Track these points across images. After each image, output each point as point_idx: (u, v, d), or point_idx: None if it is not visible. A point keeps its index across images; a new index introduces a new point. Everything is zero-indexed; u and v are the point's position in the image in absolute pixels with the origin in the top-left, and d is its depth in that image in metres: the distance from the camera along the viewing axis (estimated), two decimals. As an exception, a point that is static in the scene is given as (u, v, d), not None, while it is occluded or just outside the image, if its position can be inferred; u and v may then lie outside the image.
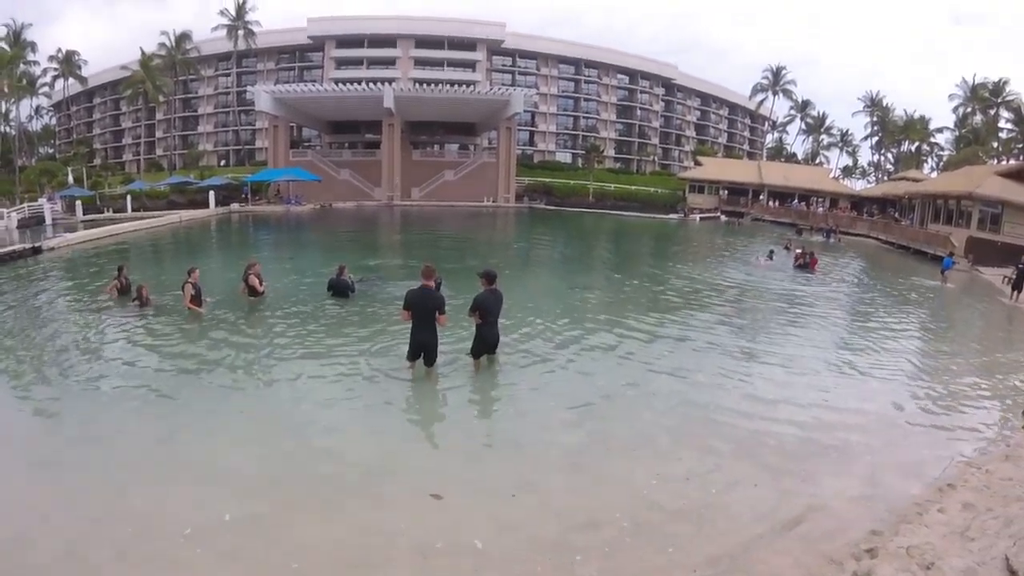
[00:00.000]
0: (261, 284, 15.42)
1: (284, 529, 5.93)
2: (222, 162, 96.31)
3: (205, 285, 15.09)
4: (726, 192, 74.85)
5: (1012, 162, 57.88)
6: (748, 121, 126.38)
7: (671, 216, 67.47)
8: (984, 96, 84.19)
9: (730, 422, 9.21)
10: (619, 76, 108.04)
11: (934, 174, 78.76)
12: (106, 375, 10.02)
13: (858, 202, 71.23)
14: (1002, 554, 5.70)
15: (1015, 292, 24.12)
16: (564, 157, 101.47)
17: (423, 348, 9.93)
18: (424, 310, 9.66)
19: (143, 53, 77.48)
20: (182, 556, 5.46)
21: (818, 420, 9.54)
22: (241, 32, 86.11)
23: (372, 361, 10.87)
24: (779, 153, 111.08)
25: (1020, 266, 24.46)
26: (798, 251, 30.48)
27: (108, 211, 49.30)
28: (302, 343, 12.04)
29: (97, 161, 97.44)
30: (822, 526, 6.50)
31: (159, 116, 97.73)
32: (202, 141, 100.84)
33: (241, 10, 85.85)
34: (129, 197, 52.12)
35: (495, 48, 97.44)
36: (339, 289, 15.92)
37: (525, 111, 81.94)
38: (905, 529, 6.47)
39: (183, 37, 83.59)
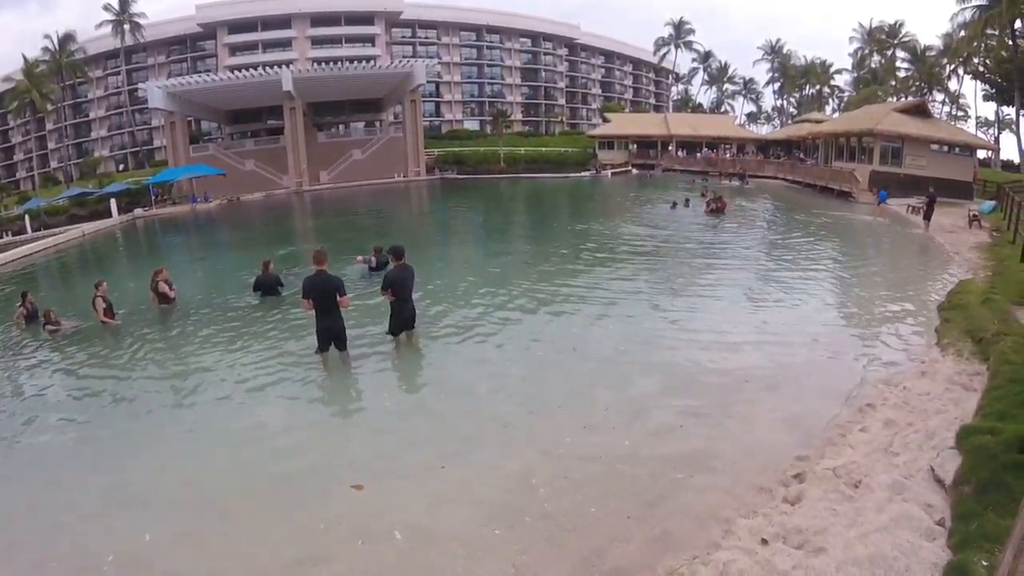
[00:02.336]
0: (171, 290, 15.10)
1: (219, 541, 5.85)
2: (121, 167, 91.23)
3: (116, 297, 14.82)
4: (635, 146, 76.05)
5: (910, 99, 60.69)
6: (653, 76, 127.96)
7: (583, 174, 68.30)
8: (881, 38, 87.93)
9: (653, 367, 9.59)
10: (522, 40, 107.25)
11: (836, 115, 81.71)
12: (21, 408, 9.59)
13: (764, 146, 73.97)
14: (927, 465, 6.17)
15: (927, 222, 26.08)
16: (472, 125, 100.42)
17: (331, 334, 9.83)
18: (324, 295, 9.52)
19: (26, 60, 73.22)
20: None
21: (740, 355, 10.00)
22: (127, 26, 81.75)
23: (292, 356, 10.67)
24: (685, 105, 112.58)
25: (928, 197, 26.25)
26: (708, 197, 31.82)
27: (7, 235, 46.73)
28: (218, 346, 11.81)
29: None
30: (751, 458, 6.80)
31: (49, 126, 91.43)
32: (97, 147, 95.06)
33: (125, 2, 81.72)
34: (27, 216, 49.34)
35: (394, 20, 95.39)
36: (267, 287, 15.03)
37: (429, 82, 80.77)
38: (831, 451, 6.83)
39: (67, 38, 78.12)
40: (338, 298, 9.63)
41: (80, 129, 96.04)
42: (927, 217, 26.07)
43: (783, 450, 7.01)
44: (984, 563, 4.46)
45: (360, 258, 17.47)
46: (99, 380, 10.56)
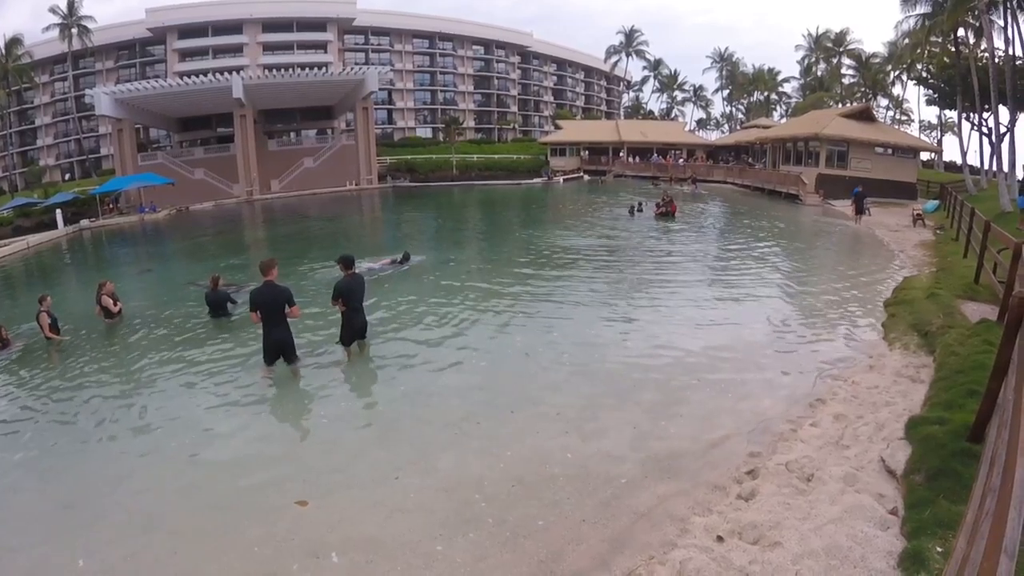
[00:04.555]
0: (116, 304, 14.64)
1: (169, 560, 5.68)
2: (67, 176, 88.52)
3: (63, 311, 14.38)
4: (587, 152, 77.13)
5: (855, 104, 62.33)
6: (604, 83, 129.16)
7: (535, 180, 68.68)
8: (827, 46, 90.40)
9: (605, 370, 9.65)
10: (475, 47, 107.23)
11: (784, 121, 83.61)
12: None
13: (713, 151, 75.30)
14: (877, 456, 6.27)
15: (857, 216, 27.21)
16: (425, 133, 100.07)
17: (279, 347, 9.69)
18: (273, 307, 9.38)
19: (-32, 65, 71.05)
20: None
21: (690, 356, 10.11)
22: (75, 30, 79.36)
23: (240, 371, 10.44)
24: (636, 111, 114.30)
25: (856, 193, 28.77)
26: (657, 201, 32.14)
27: (-51, 248, 45.27)
28: (165, 362, 11.43)
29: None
30: (704, 456, 6.89)
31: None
32: (43, 156, 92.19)
33: (73, 5, 79.55)
34: None
35: (347, 27, 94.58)
36: (215, 305, 14.21)
37: (381, 89, 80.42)
38: (782, 447, 6.94)
39: (14, 42, 75.29)
40: (287, 309, 9.49)
41: (25, 136, 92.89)
42: (858, 212, 28.43)
43: (736, 447, 7.10)
44: (939, 549, 4.53)
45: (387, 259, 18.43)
46: (45, 399, 10.19)
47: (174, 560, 5.70)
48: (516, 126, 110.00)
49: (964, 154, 43.68)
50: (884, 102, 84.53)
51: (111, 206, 55.65)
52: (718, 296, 14.49)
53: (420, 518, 6.03)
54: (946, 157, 73.23)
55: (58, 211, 48.43)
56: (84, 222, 49.19)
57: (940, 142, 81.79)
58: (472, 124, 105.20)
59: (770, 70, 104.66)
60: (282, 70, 66.28)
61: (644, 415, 8.01)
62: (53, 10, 78.52)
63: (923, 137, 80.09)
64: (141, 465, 7.60)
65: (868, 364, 9.52)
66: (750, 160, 62.76)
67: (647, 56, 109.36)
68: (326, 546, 5.68)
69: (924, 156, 55.97)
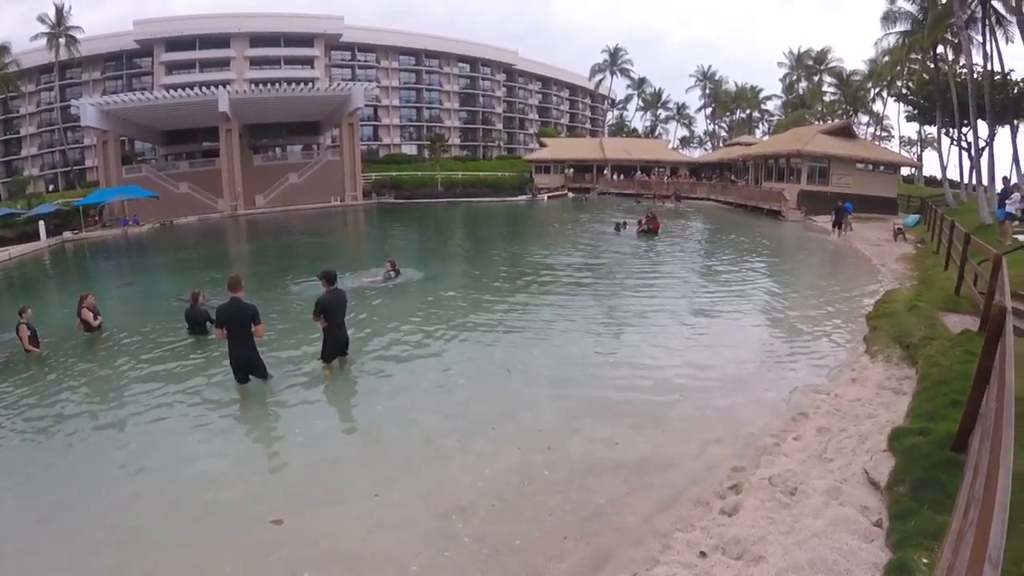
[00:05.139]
0: (96, 317, 14.51)
1: None
2: (51, 187, 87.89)
3: (44, 323, 14.24)
4: (572, 170, 77.26)
5: (836, 121, 63.00)
6: (589, 101, 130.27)
7: (520, 198, 68.69)
8: (808, 64, 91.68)
9: (587, 387, 9.60)
10: (460, 65, 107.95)
11: (766, 138, 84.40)
12: None
13: (697, 169, 75.84)
14: (861, 469, 6.24)
15: (836, 229, 27.68)
16: (410, 149, 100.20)
17: (244, 366, 9.59)
18: (237, 324, 9.26)
19: (-44, 72, 70.50)
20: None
21: (673, 372, 10.07)
22: (63, 40, 79.15)
23: (218, 388, 10.23)
24: (620, 129, 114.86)
25: (837, 206, 29.51)
26: (640, 219, 32.19)
27: (-71, 258, 44.76)
28: (143, 377, 11.28)
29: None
30: (686, 472, 6.84)
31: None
32: (27, 166, 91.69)
33: (61, 15, 79.22)
34: None
35: (333, 43, 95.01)
36: (195, 322, 13.83)
37: (367, 105, 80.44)
38: (765, 461, 6.91)
39: (1, 50, 75.76)
40: (253, 327, 9.35)
41: (9, 146, 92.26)
42: (836, 225, 29.25)
43: (719, 462, 7.06)
44: (924, 560, 4.49)
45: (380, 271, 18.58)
46: (23, 413, 10.05)
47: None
48: (501, 143, 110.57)
49: (944, 168, 44.63)
50: (865, 119, 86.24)
51: (95, 218, 55.20)
52: (700, 312, 14.51)
53: (400, 535, 5.96)
54: (926, 172, 74.67)
55: (41, 222, 47.96)
56: (67, 234, 48.78)
57: (920, 157, 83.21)
58: (457, 141, 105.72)
59: (752, 88, 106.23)
60: (268, 85, 66.15)
61: (626, 431, 7.95)
62: (41, 19, 78.39)
63: (903, 152, 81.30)
64: (117, 480, 7.48)
65: (851, 377, 9.55)
66: (733, 177, 63.19)
67: (631, 74, 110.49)
68: (305, 562, 5.60)
69: (905, 171, 56.71)
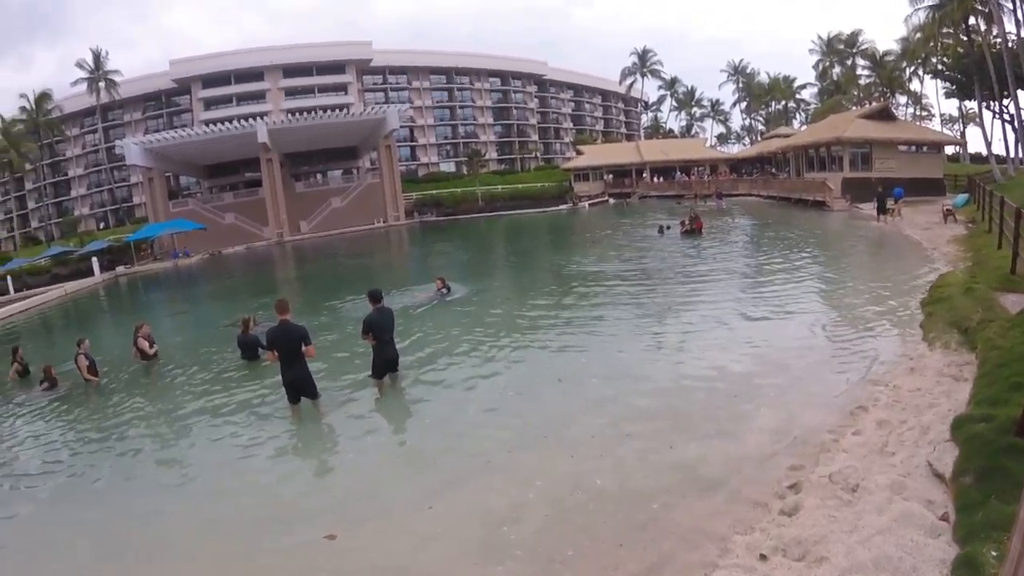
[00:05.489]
0: (152, 346, 15.06)
1: None
2: (101, 224, 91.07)
3: (101, 354, 14.82)
4: (611, 176, 77.23)
5: (874, 104, 61.60)
6: (622, 105, 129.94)
7: (560, 207, 68.84)
8: (840, 48, 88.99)
9: (640, 392, 9.45)
10: (491, 79, 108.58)
11: (804, 128, 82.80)
12: (16, 485, 9.02)
13: (736, 165, 74.87)
14: (924, 461, 6.02)
15: (881, 215, 26.96)
16: (448, 167, 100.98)
17: (296, 386, 9.71)
18: (288, 346, 9.40)
19: (3, 120, 73.29)
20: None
21: (726, 372, 9.85)
22: (102, 84, 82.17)
23: (270, 409, 10.43)
24: (656, 131, 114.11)
25: (879, 192, 28.90)
26: (683, 220, 31.80)
27: (-10, 297, 46.47)
28: (198, 402, 11.67)
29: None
30: (742, 473, 6.66)
31: (29, 186, 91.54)
32: (77, 206, 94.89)
33: (99, 60, 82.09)
34: (9, 278, 48.68)
35: (364, 68, 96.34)
36: (246, 348, 13.98)
37: (402, 126, 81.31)
38: (825, 458, 6.68)
39: (43, 97, 78.10)
40: (303, 347, 9.47)
41: (59, 188, 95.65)
42: (881, 211, 28.52)
43: (776, 461, 6.86)
44: (993, 553, 4.29)
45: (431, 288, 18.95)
46: (87, 438, 10.51)
47: None
48: (538, 154, 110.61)
49: (988, 144, 43.03)
50: (903, 99, 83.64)
51: (147, 252, 56.68)
52: (751, 309, 14.20)
53: (453, 547, 5.92)
54: (971, 149, 72.16)
55: (94, 259, 49.48)
56: (120, 269, 50.36)
57: (963, 134, 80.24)
58: (494, 155, 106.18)
59: (786, 78, 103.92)
60: (304, 113, 67.48)
61: (680, 434, 7.78)
62: (80, 64, 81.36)
63: (945, 131, 78.63)
64: (173, 499, 7.74)
65: (909, 367, 9.22)
66: (773, 170, 62.21)
67: (662, 75, 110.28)
68: (358, 575, 5.66)
69: (949, 150, 55.17)
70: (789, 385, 9.18)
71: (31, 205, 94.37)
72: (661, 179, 74.06)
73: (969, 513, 4.91)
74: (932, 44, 50.69)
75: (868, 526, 5.16)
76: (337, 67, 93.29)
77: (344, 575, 5.67)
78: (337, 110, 68.41)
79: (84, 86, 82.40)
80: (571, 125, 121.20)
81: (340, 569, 5.75)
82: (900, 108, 78.46)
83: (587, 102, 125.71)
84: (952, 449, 6.02)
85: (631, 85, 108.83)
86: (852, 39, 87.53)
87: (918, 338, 10.56)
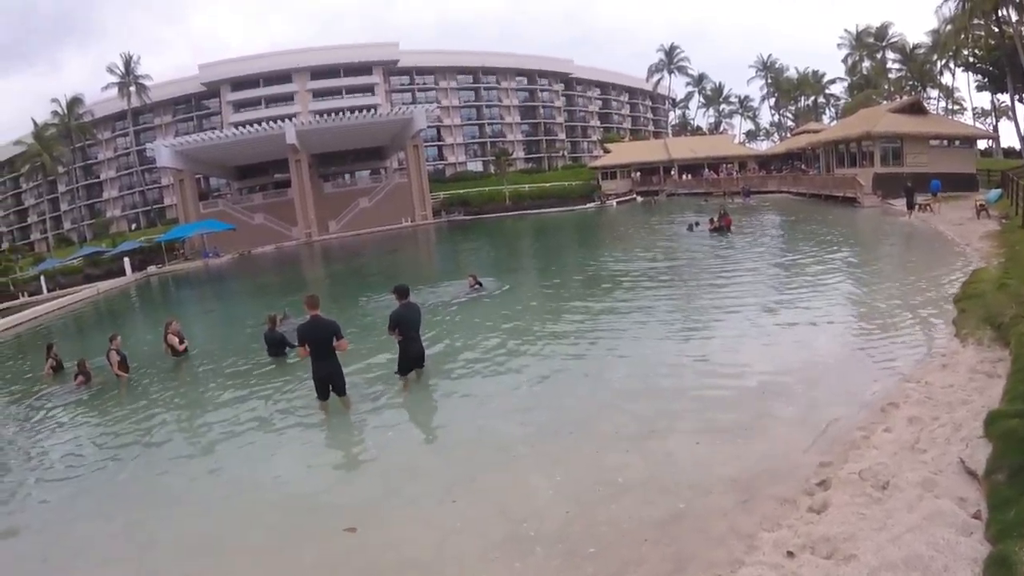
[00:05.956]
0: (182, 342, 15.34)
1: None
2: (132, 226, 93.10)
3: (132, 350, 15.12)
4: (638, 173, 76.87)
5: (904, 98, 60.59)
6: (649, 103, 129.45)
7: (588, 206, 68.72)
8: (869, 42, 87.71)
9: (667, 388, 9.41)
10: (518, 78, 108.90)
11: (833, 123, 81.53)
12: (50, 475, 9.25)
13: (765, 161, 74.14)
14: (956, 458, 5.89)
15: (910, 210, 26.58)
16: (475, 166, 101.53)
17: (327, 381, 9.71)
18: (320, 341, 9.41)
19: (36, 124, 74.91)
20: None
21: (755, 368, 9.72)
22: (132, 88, 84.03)
23: (296, 405, 10.53)
24: (684, 128, 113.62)
25: (907, 187, 28.69)
26: (712, 217, 31.52)
27: (23, 295, 47.65)
28: (227, 397, 11.85)
29: (4, 245, 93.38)
30: (770, 469, 6.56)
31: (62, 188, 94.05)
32: (109, 207, 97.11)
33: (129, 65, 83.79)
34: (43, 278, 50.24)
35: (391, 69, 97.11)
36: (272, 345, 14.08)
37: (429, 126, 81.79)
38: (854, 455, 6.55)
39: (75, 102, 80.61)
40: (335, 342, 9.49)
41: (92, 190, 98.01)
42: (910, 206, 28.32)
43: (805, 458, 6.74)
44: (1027, 551, 4.17)
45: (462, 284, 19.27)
46: (116, 431, 10.79)
47: None
48: (565, 153, 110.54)
49: (1021, 138, 41.96)
50: (934, 93, 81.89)
51: (179, 252, 57.57)
52: (779, 306, 14.01)
53: (476, 541, 5.91)
54: (1004, 143, 70.41)
55: (126, 259, 50.41)
56: (151, 268, 51.33)
57: (996, 128, 78.67)
58: (521, 154, 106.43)
59: (815, 73, 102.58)
60: (332, 114, 68.08)
61: (707, 430, 7.70)
62: (111, 69, 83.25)
63: (978, 125, 77.12)
64: (199, 492, 7.89)
65: (941, 363, 9.03)
66: (803, 167, 61.43)
67: (689, 72, 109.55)
68: (379, 570, 5.67)
69: (981, 144, 54.06)
70: (818, 381, 9.04)
71: (64, 207, 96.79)
72: (689, 176, 73.45)
73: (1002, 511, 4.79)
74: (963, 36, 49.75)
75: (898, 524, 5.06)
76: (364, 68, 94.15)
77: (368, 568, 5.69)
78: (365, 111, 68.88)
79: (115, 90, 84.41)
80: (598, 123, 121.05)
81: (364, 562, 5.78)
82: (931, 102, 76.78)
83: (614, 100, 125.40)
84: (985, 446, 5.87)
85: (658, 82, 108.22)
86: (882, 32, 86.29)
87: (951, 334, 10.36)
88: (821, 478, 6.23)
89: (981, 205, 26.50)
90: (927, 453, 6.30)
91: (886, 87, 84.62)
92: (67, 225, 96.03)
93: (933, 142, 41.59)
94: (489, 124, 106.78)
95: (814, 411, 7.96)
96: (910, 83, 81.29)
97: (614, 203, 67.44)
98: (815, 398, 8.42)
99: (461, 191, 79.36)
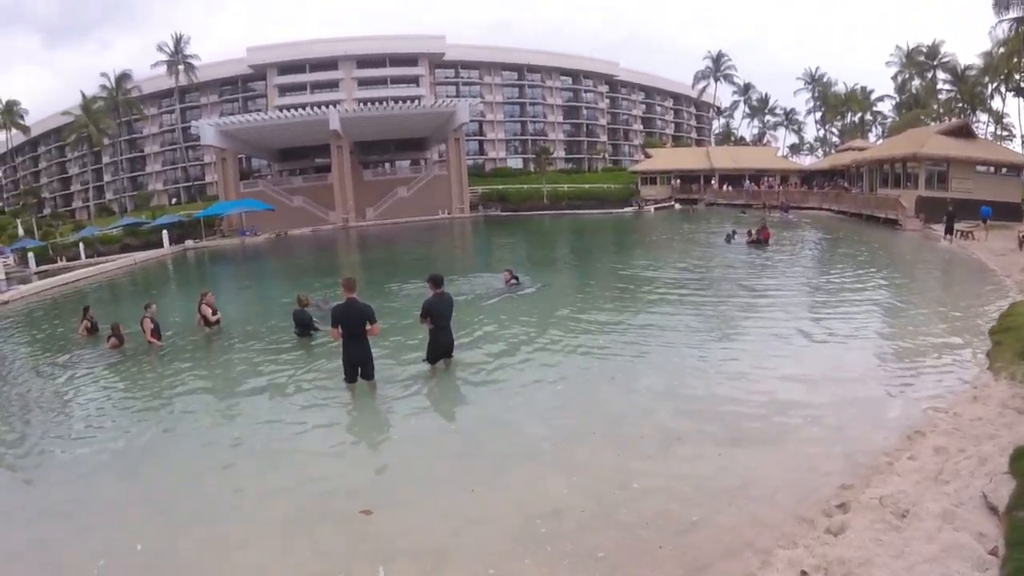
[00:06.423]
0: (214, 314, 15.68)
1: (240, 552, 5.97)
2: (173, 200, 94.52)
3: (164, 320, 15.45)
4: (678, 181, 76.25)
5: (953, 120, 59.18)
6: (693, 110, 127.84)
7: (625, 210, 68.30)
8: (919, 60, 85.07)
9: (694, 398, 9.34)
10: (562, 78, 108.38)
11: (879, 142, 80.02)
12: (75, 434, 9.52)
13: (808, 176, 72.92)
14: (979, 492, 5.80)
15: (948, 235, 26.25)
16: (515, 163, 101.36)
17: (356, 364, 9.85)
18: (353, 324, 9.54)
19: (84, 97, 76.47)
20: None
21: (783, 384, 9.68)
22: (181, 67, 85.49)
23: (325, 383, 10.72)
24: (727, 138, 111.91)
25: (948, 211, 28.35)
26: (750, 229, 31.28)
27: (62, 260, 48.58)
28: (255, 372, 12.06)
29: (47, 211, 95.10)
30: (792, 488, 6.53)
31: (106, 160, 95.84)
32: (151, 181, 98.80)
33: (179, 44, 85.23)
34: (82, 244, 51.36)
35: (437, 61, 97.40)
36: (300, 323, 14.39)
37: (472, 121, 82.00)
38: (877, 480, 6.49)
39: (123, 77, 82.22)
40: (368, 326, 9.61)
41: (135, 163, 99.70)
42: (949, 232, 28.09)
43: (826, 479, 6.69)
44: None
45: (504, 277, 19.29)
46: (145, 397, 11.17)
47: (244, 551, 6.02)
48: (606, 155, 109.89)
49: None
50: (983, 117, 79.52)
51: (218, 228, 58.44)
52: (812, 325, 13.87)
53: (493, 532, 6.00)
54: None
55: (165, 232, 51.32)
56: (188, 242, 52.17)
57: (1045, 157, 76.39)
58: (562, 154, 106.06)
59: (863, 89, 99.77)
60: (376, 103, 68.67)
61: (730, 442, 7.68)
62: (161, 47, 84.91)
63: (1026, 153, 75.05)
64: (219, 464, 8.00)
65: (972, 395, 8.89)
66: (846, 185, 60.42)
67: (736, 80, 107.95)
68: (392, 553, 5.73)
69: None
70: (846, 404, 8.95)
71: (107, 178, 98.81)
72: (729, 187, 72.60)
73: (1020, 549, 4.76)
74: (1016, 60, 48.33)
75: (915, 553, 5.04)
76: (410, 59, 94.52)
77: (384, 551, 5.75)
78: (408, 101, 69.41)
79: (163, 68, 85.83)
80: (641, 127, 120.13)
81: (378, 546, 5.86)
82: (980, 126, 74.84)
83: (658, 104, 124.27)
84: (1009, 482, 5.80)
85: (703, 89, 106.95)
86: (933, 51, 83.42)
87: (984, 367, 10.20)
88: (841, 500, 6.18)
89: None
90: (950, 484, 6.23)
91: (935, 107, 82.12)
92: (109, 195, 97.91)
93: (980, 168, 40.50)
94: (532, 122, 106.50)
95: (839, 432, 7.90)
96: (959, 105, 78.99)
97: (652, 209, 66.97)
98: (841, 420, 8.33)
99: (499, 187, 79.44)
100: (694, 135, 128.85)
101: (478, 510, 6.42)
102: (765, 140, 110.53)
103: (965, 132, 44.48)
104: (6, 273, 42.52)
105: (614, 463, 7.29)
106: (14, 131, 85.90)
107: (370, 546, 5.87)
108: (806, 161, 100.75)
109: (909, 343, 12.16)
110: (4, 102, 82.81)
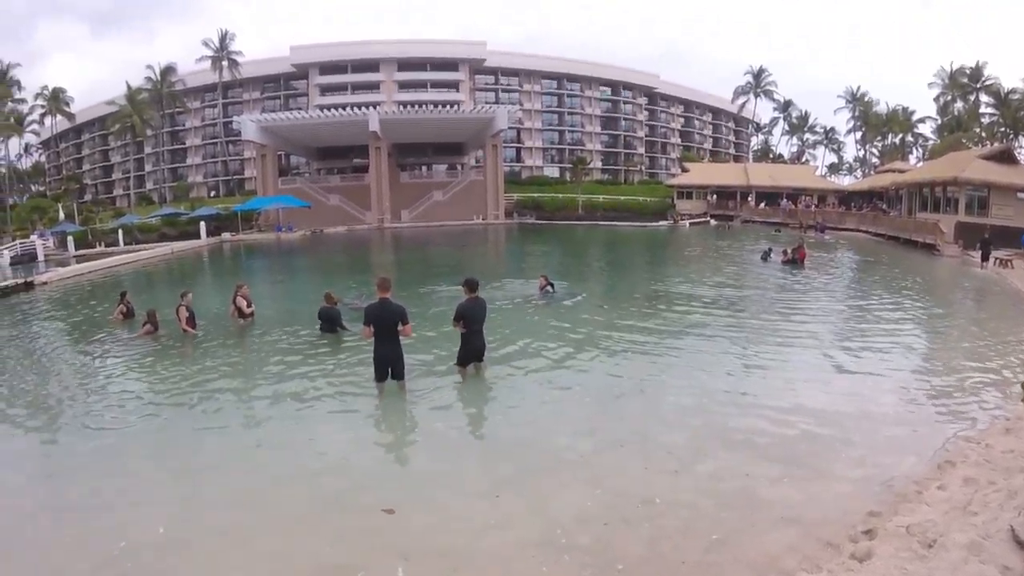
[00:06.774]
0: (249, 306, 15.86)
1: (260, 540, 6.06)
2: (212, 193, 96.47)
3: (198, 310, 15.67)
4: (714, 196, 75.36)
5: (995, 145, 57.90)
6: (732, 125, 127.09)
7: (660, 224, 67.74)
8: (963, 83, 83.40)
9: (723, 416, 9.23)
10: (602, 88, 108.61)
11: (920, 164, 78.19)
12: (105, 416, 9.66)
13: (846, 197, 71.86)
14: (1007, 525, 5.62)
15: (984, 262, 25.89)
16: (552, 172, 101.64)
17: (387, 364, 9.85)
18: (385, 324, 9.52)
19: (129, 87, 78.02)
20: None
21: (815, 407, 9.54)
22: (225, 63, 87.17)
23: (354, 381, 10.75)
24: (766, 155, 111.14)
25: (984, 238, 28.18)
26: (786, 248, 30.93)
27: (100, 245, 49.63)
28: (285, 365, 12.15)
29: (88, 197, 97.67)
30: (819, 511, 6.44)
31: (148, 150, 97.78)
32: (191, 173, 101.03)
33: (224, 41, 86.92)
34: (121, 231, 52.43)
35: (477, 67, 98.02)
36: (326, 320, 14.54)
37: (510, 128, 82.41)
38: (905, 508, 6.37)
39: (168, 70, 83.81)
40: (400, 327, 9.61)
41: (176, 155, 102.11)
42: (985, 258, 27.77)
43: (854, 505, 6.59)
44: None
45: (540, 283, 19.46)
46: (176, 381, 11.37)
47: (264, 538, 6.13)
48: (643, 167, 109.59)
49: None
50: (1025, 142, 77.86)
51: (254, 222, 59.27)
52: (843, 349, 13.64)
53: (513, 538, 5.99)
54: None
55: (202, 223, 52.28)
56: (225, 235, 52.99)
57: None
58: (599, 164, 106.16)
59: (904, 109, 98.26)
60: (416, 107, 69.16)
61: (758, 463, 7.58)
62: (206, 43, 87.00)
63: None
64: (246, 454, 8.15)
65: (1005, 427, 8.69)
66: (884, 207, 59.47)
67: (776, 97, 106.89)
68: (412, 552, 5.76)
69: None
70: (877, 430, 8.83)
71: (148, 168, 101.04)
72: (766, 205, 71.75)
73: (1046, 585, 4.70)
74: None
75: (939, 584, 4.95)
76: (451, 64, 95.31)
77: (405, 550, 5.77)
78: (448, 106, 69.83)
79: (208, 64, 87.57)
80: (679, 141, 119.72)
81: (399, 544, 5.88)
82: (1022, 151, 73.17)
83: (697, 119, 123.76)
84: (1038, 517, 5.75)
85: (743, 105, 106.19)
86: (977, 73, 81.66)
87: (1018, 398, 10.01)
88: (868, 527, 6.08)
89: (1064, 267, 25.60)
90: (978, 516, 6.10)
91: (977, 131, 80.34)
92: (149, 185, 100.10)
93: (1021, 194, 39.50)
94: (569, 131, 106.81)
95: (869, 458, 7.79)
96: (1002, 129, 77.27)
97: (687, 224, 66.27)
98: (871, 446, 8.22)
99: (535, 195, 79.41)
100: (732, 151, 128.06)
101: (500, 516, 6.41)
102: (804, 158, 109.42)
103: (1007, 157, 43.33)
104: (45, 255, 43.71)
105: (639, 476, 7.25)
106: (59, 117, 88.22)
107: (390, 544, 5.89)
108: (845, 181, 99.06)
109: (942, 372, 11.95)
110: (51, 89, 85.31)
